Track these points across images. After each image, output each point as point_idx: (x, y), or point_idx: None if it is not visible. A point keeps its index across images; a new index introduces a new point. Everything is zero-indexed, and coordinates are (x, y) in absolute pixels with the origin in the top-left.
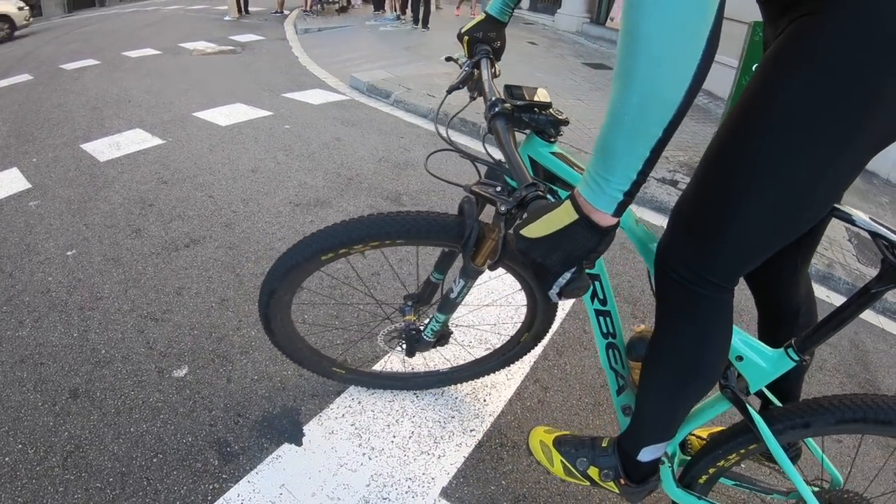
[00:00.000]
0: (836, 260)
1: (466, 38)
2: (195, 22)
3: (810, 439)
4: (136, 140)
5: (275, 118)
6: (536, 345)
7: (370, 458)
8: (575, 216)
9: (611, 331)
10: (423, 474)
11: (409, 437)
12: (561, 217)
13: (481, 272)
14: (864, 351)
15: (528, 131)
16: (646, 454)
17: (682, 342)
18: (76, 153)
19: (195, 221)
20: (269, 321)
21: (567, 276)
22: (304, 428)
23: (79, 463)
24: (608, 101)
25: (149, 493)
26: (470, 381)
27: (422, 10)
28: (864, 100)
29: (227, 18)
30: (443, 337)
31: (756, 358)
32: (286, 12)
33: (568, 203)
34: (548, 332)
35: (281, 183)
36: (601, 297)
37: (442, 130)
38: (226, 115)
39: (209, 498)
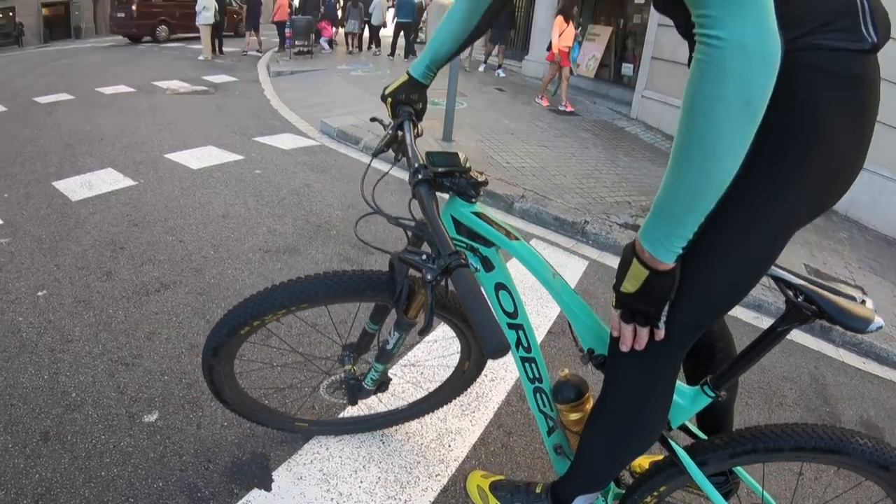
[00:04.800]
0: None
1: (390, 100)
2: (169, 60)
3: (744, 472)
4: (108, 180)
5: (246, 162)
6: (480, 372)
7: None
8: (646, 272)
9: (537, 376)
10: None
11: (377, 483)
12: (637, 275)
13: (414, 325)
14: (823, 384)
15: (450, 193)
16: (580, 502)
17: (631, 404)
18: (48, 190)
19: (166, 266)
20: (219, 393)
21: (666, 309)
22: (272, 474)
23: None
24: (668, 179)
25: None
26: (435, 428)
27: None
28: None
29: (200, 58)
30: (383, 384)
31: (675, 396)
32: (259, 53)
33: (636, 262)
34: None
35: (251, 229)
36: (525, 345)
37: (368, 196)
38: (197, 157)
39: None
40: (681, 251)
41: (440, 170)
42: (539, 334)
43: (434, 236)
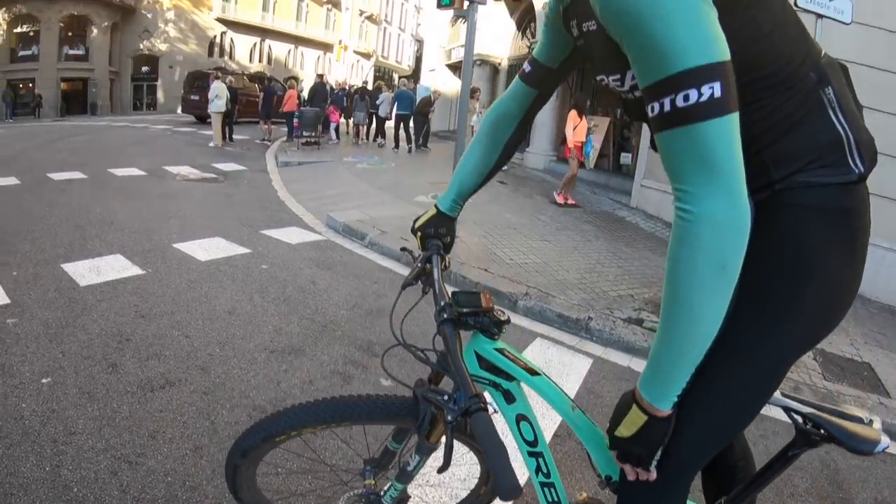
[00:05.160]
0: (802, 381)
1: (419, 233)
2: (181, 145)
3: None
4: (116, 267)
5: (252, 256)
6: (495, 498)
7: None
8: (645, 417)
9: (556, 499)
10: None
11: None
12: (635, 420)
13: (435, 449)
14: (835, 469)
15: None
16: None
17: None
18: (57, 273)
19: (171, 362)
20: (236, 491)
21: (658, 453)
22: None
23: None
24: (658, 337)
25: None
26: None
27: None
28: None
29: (211, 144)
30: (401, 502)
31: None
32: (268, 142)
33: (636, 408)
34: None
35: (257, 327)
36: (545, 471)
37: (396, 329)
38: (205, 248)
39: None
40: (676, 399)
41: (464, 310)
42: (546, 436)
43: (456, 377)
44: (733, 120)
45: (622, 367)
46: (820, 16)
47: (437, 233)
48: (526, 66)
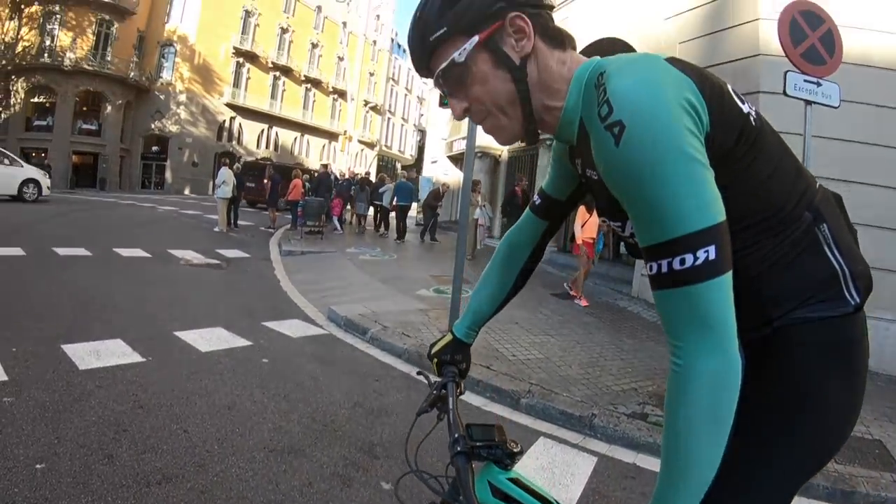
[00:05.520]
0: None
1: (436, 360)
2: (186, 228)
3: None
4: (116, 352)
5: (254, 349)
6: None
7: None
8: None
9: None
10: None
11: None
12: None
13: None
14: None
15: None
16: None
17: None
18: (56, 353)
19: (168, 457)
20: None
21: None
22: None
23: None
24: (660, 479)
25: None
26: None
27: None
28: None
29: (216, 230)
30: None
31: None
32: (272, 229)
33: None
34: None
35: (256, 424)
36: None
37: (411, 457)
38: (206, 339)
39: None
40: None
41: (478, 444)
42: None
43: None
44: (727, 279)
45: (627, 464)
46: (809, 102)
47: (453, 359)
48: (536, 199)
